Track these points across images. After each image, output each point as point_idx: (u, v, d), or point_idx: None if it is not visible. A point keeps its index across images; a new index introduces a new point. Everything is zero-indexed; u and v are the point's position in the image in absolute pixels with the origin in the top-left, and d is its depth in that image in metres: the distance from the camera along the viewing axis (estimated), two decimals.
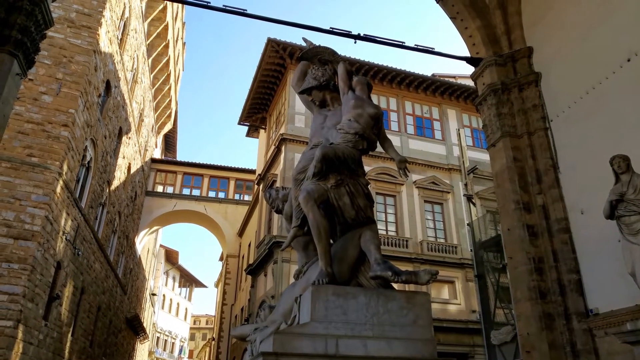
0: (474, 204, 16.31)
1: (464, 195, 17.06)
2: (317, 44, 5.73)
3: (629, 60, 8.00)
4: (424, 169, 22.93)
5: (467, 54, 11.47)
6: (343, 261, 4.47)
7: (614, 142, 8.18)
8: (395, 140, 23.10)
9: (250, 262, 26.25)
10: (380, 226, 21.74)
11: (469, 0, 10.89)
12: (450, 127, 24.17)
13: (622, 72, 8.12)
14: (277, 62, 22.73)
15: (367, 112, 4.84)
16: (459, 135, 16.97)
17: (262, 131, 27.84)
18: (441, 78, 24.76)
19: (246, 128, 28.43)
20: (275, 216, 21.66)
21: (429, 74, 24.99)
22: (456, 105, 24.68)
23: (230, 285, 31.49)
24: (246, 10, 9.73)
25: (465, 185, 16.31)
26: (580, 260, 8.65)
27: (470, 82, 26.17)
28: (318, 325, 3.86)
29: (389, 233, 21.67)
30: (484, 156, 22.31)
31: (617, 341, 7.76)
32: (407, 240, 21.43)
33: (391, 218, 22.12)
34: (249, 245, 28.10)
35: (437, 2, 11.42)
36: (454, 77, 26.83)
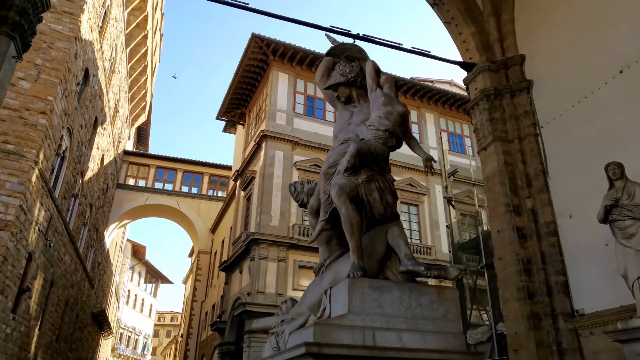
0: (454, 206, 16.65)
1: (444, 197, 17.41)
2: (342, 41, 5.77)
3: (621, 72, 8.37)
4: (401, 170, 23.23)
5: (457, 57, 11.74)
6: (372, 256, 4.54)
7: (603, 151, 8.52)
8: None
9: (224, 258, 26.04)
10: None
11: (464, 7, 11.14)
12: (428, 130, 24.60)
13: (614, 84, 8.49)
14: (260, 58, 22.62)
15: (397, 109, 4.92)
16: (440, 138, 17.29)
17: (240, 127, 27.64)
18: (420, 82, 25.15)
19: (223, 123, 28.15)
20: (253, 213, 21.55)
21: (408, 77, 25.36)
22: (434, 109, 25.13)
23: (201, 281, 31.10)
24: (247, 3, 9.67)
25: (446, 187, 16.65)
26: (567, 262, 8.99)
27: (448, 87, 26.73)
28: (355, 317, 3.91)
29: None
30: (460, 160, 22.87)
31: (601, 340, 8.13)
32: None
33: None
34: (223, 241, 27.84)
35: (433, 7, 11.64)
36: (431, 81, 27.30)
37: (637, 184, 6.95)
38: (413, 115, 24.90)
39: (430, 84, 26.25)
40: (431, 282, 9.96)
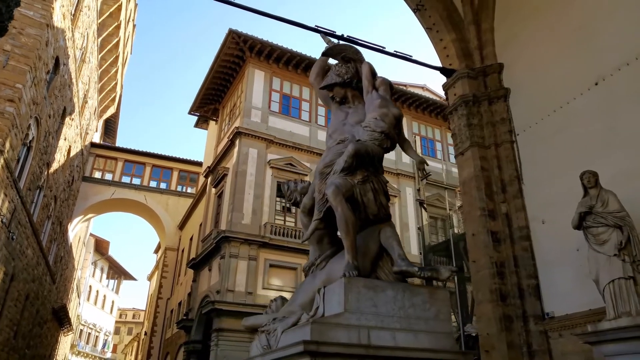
0: (426, 209, 16.93)
1: (417, 200, 17.68)
2: (337, 42, 5.80)
3: (596, 84, 8.69)
4: None
5: (432, 61, 11.96)
6: (365, 256, 4.58)
7: (577, 160, 8.83)
8: None
9: (192, 256, 25.70)
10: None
11: (445, 14, 11.35)
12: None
13: (589, 95, 8.81)
14: (236, 54, 22.44)
15: (392, 112, 4.98)
16: (414, 142, 17.53)
17: (212, 123, 27.32)
18: (395, 85, 25.42)
19: (195, 118, 27.79)
20: (225, 210, 21.35)
21: None
22: (408, 112, 25.44)
23: (167, 278, 30.56)
24: None
25: (418, 190, 16.90)
26: (539, 266, 9.28)
27: (421, 92, 27.11)
28: (351, 316, 3.94)
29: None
30: (431, 164, 23.18)
31: (570, 342, 8.43)
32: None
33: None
34: (191, 238, 27.46)
35: (415, 12, 11.80)
36: (405, 85, 27.64)
37: (610, 192, 7.22)
38: None
39: (404, 87, 26.57)
40: (417, 281, 10.12)
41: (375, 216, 4.75)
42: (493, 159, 10.27)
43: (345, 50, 5.71)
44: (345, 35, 10.42)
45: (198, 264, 22.68)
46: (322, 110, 23.83)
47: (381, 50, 10.51)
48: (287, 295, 19.49)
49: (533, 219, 9.61)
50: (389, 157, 24.20)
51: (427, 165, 5.33)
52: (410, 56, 10.78)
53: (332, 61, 6.07)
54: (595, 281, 7.07)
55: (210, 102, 25.64)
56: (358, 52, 5.80)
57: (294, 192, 5.47)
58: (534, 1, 10.44)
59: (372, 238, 4.70)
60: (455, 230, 17.61)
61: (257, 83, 22.50)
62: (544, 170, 9.61)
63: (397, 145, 5.25)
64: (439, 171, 21.96)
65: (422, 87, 29.01)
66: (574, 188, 8.73)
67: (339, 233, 5.05)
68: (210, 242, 21.29)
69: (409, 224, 23.36)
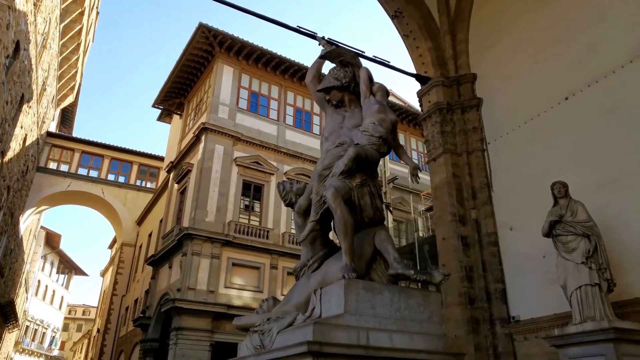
0: (391, 212, 17.21)
1: (383, 203, 17.88)
2: (334, 46, 5.84)
3: (566, 99, 9.11)
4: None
5: (406, 67, 12.20)
6: (361, 258, 4.65)
7: (545, 170, 9.23)
8: (315, 143, 23.59)
9: (150, 252, 25.14)
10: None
11: (423, 22, 11.60)
12: None
13: (559, 109, 9.22)
14: (205, 48, 22.12)
15: (390, 118, 5.08)
16: None
17: (176, 117, 26.79)
18: None
19: (159, 112, 27.18)
20: (187, 207, 20.99)
21: None
22: None
23: (122, 275, 29.70)
24: None
25: (385, 193, 17.15)
26: (506, 271, 9.62)
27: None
28: (351, 317, 4.00)
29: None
30: (397, 168, 23.59)
31: (534, 345, 8.79)
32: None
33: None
34: (150, 235, 26.84)
35: (392, 19, 11.99)
36: None
37: (579, 202, 7.58)
38: None
39: None
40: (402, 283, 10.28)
41: (370, 219, 4.83)
42: (465, 166, 10.57)
43: (343, 55, 5.77)
44: (325, 37, 10.48)
45: (158, 261, 22.19)
46: (290, 110, 23.83)
47: (361, 55, 10.60)
48: (249, 295, 19.41)
49: (501, 225, 9.95)
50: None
51: (421, 170, 5.45)
52: (388, 62, 10.94)
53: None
54: (563, 287, 7.40)
55: (175, 96, 25.15)
56: (356, 56, 5.87)
57: (289, 193, 5.49)
58: (508, 16, 10.81)
59: (367, 241, 4.77)
60: (420, 234, 17.99)
61: (225, 79, 22.24)
62: (513, 178, 9.97)
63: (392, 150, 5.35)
64: (404, 176, 22.30)
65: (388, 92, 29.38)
66: (542, 197, 9.11)
67: (331, 234, 5.10)
68: (171, 239, 20.88)
69: None
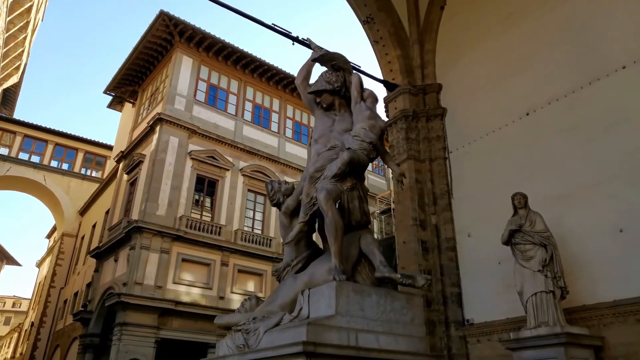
0: None
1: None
2: (326, 49, 5.88)
3: (527, 115, 9.59)
4: (296, 172, 23.60)
5: (377, 73, 12.45)
6: (347, 260, 4.73)
7: (503, 181, 9.69)
8: (273, 140, 23.54)
9: (94, 244, 24.21)
10: (247, 223, 21.81)
11: (393, 30, 11.85)
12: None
13: (520, 123, 9.69)
14: (164, 37, 21.55)
15: (379, 124, 5.19)
16: None
17: (128, 105, 25.92)
18: None
19: (110, 99, 26.19)
20: (138, 199, 20.36)
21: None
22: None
23: (62, 266, 28.35)
24: None
25: None
26: (462, 276, 10.01)
27: None
28: (341, 318, 4.07)
29: (255, 231, 21.84)
30: None
31: (486, 348, 9.21)
32: (270, 240, 21.80)
33: (259, 216, 22.31)
34: (94, 226, 25.81)
35: (363, 25, 12.17)
36: None
37: (538, 214, 8.01)
38: (312, 121, 25.53)
39: None
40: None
41: (357, 222, 4.92)
42: (427, 173, 10.90)
43: (335, 59, 5.82)
44: (300, 38, 10.50)
45: (102, 254, 21.40)
46: (249, 105, 23.61)
47: None
48: (198, 291, 19.08)
49: (460, 231, 10.34)
50: (304, 157, 24.61)
51: (405, 177, 5.59)
52: (359, 66, 11.10)
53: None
54: (520, 293, 7.80)
55: (129, 84, 24.32)
56: (348, 62, 5.94)
57: (277, 193, 5.48)
58: (474, 31, 11.24)
59: (353, 243, 4.86)
60: (376, 236, 18.32)
61: (184, 70, 21.75)
62: (473, 187, 10.38)
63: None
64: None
65: None
66: (499, 206, 9.55)
67: (314, 235, 5.14)
68: (119, 231, 20.19)
69: None
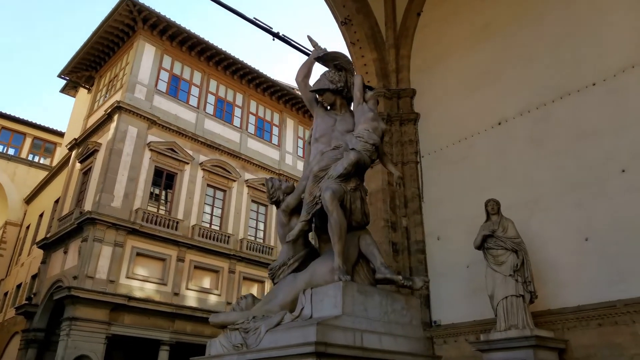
0: None
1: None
2: (325, 47, 5.86)
3: (499, 124, 9.94)
4: (257, 169, 23.49)
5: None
6: (347, 260, 4.74)
7: (472, 187, 10.00)
8: (235, 136, 23.25)
9: (41, 234, 23.10)
10: (205, 219, 21.49)
11: (370, 33, 11.97)
12: (287, 135, 25.32)
13: (491, 133, 10.03)
14: (127, 22, 20.81)
15: (381, 127, 5.23)
16: (299, 147, 18.03)
17: (83, 91, 24.86)
18: (288, 87, 25.76)
19: (64, 83, 25.03)
20: (92, 190, 19.57)
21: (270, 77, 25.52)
22: (295, 116, 25.98)
23: (4, 257, 26.77)
24: None
25: None
26: (431, 278, 10.14)
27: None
28: (347, 319, 4.08)
29: (213, 227, 21.55)
30: None
31: (452, 349, 9.47)
32: (228, 237, 21.59)
33: (217, 212, 22.04)
34: (41, 215, 24.60)
35: (340, 26, 12.21)
36: (293, 88, 28.09)
37: (510, 220, 8.31)
38: (275, 118, 25.40)
39: (292, 89, 26.98)
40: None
41: (358, 223, 4.94)
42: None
43: (338, 59, 5.81)
44: (280, 34, 10.46)
45: (51, 245, 20.44)
46: (211, 98, 23.19)
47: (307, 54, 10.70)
48: (152, 287, 18.63)
49: (429, 234, 10.58)
50: (273, 157, 24.54)
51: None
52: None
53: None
54: (491, 296, 8.07)
55: (86, 68, 23.32)
56: (350, 62, 5.95)
57: (277, 190, 5.40)
58: (448, 40, 11.53)
59: (353, 244, 4.88)
60: None
61: (146, 58, 21.10)
62: (443, 192, 10.65)
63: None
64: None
65: None
66: (468, 211, 9.88)
67: (311, 234, 5.13)
68: (70, 222, 19.35)
69: None
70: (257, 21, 10.04)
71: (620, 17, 8.73)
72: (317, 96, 5.74)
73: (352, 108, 5.71)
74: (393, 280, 4.71)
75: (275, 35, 10.21)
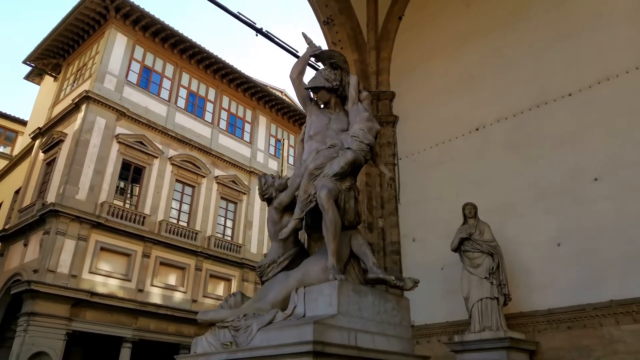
0: None
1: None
2: (319, 45, 5.83)
3: (477, 130, 10.14)
4: (227, 166, 23.22)
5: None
6: (340, 260, 4.72)
7: (449, 191, 10.19)
8: (206, 131, 22.93)
9: None
10: (173, 215, 21.11)
11: (352, 34, 12.02)
12: (259, 132, 25.13)
13: (469, 137, 10.23)
14: (99, 10, 20.17)
15: (376, 127, 5.24)
16: (282, 145, 17.94)
17: (49, 79, 23.97)
18: (262, 84, 25.56)
19: (29, 69, 24.11)
20: (55, 181, 18.92)
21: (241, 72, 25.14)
22: (268, 114, 25.80)
23: None
24: None
25: None
26: None
27: (279, 95, 27.66)
28: (342, 318, 4.06)
29: (180, 223, 21.16)
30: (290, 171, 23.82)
31: (425, 349, 9.58)
32: (196, 233, 21.24)
33: (185, 208, 21.66)
34: None
35: (322, 26, 12.20)
36: (265, 85, 27.92)
37: (486, 224, 8.50)
38: (248, 115, 25.16)
39: (265, 87, 26.79)
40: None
41: (350, 223, 4.94)
42: (376, 177, 11.16)
43: (334, 57, 5.78)
44: (263, 30, 10.36)
45: (9, 236, 19.62)
46: (183, 92, 22.77)
47: (294, 54, 10.68)
48: (115, 283, 18.17)
49: (404, 236, 10.70)
50: (245, 154, 24.30)
51: (394, 182, 5.70)
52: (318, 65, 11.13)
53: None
54: (466, 298, 8.23)
55: (53, 56, 22.49)
56: (346, 61, 5.93)
57: (270, 187, 5.32)
58: (428, 45, 11.71)
59: (344, 243, 4.87)
60: None
61: (117, 48, 20.52)
62: (419, 194, 10.79)
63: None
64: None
65: (282, 92, 29.65)
66: (443, 214, 10.06)
67: (301, 232, 5.09)
68: (31, 213, 18.63)
69: (253, 222, 23.63)
70: (240, 15, 9.92)
71: (595, 32, 9.05)
72: (312, 94, 5.72)
73: (345, 107, 5.71)
74: (385, 280, 4.73)
75: (258, 30, 10.12)
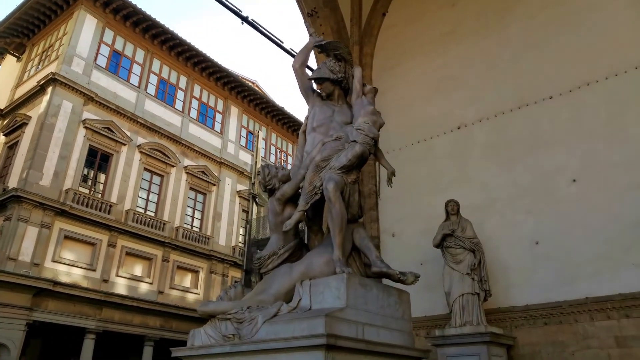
0: (258, 204, 17.25)
1: (250, 193, 17.84)
2: (321, 37, 5.77)
3: (458, 128, 10.31)
4: (197, 156, 22.83)
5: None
6: (344, 253, 4.71)
7: (429, 187, 10.35)
8: (176, 119, 22.47)
9: None
10: (140, 204, 20.62)
11: (336, 27, 12.00)
12: (230, 123, 24.78)
13: (450, 136, 10.39)
14: None
15: (380, 121, 5.23)
16: (257, 138, 17.77)
17: (11, 58, 22.90)
18: (235, 74, 25.19)
19: None
20: (17, 165, 18.15)
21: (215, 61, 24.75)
22: (240, 104, 25.47)
23: None
24: None
25: (253, 184, 17.14)
26: None
27: (251, 86, 27.37)
28: (351, 311, 4.06)
29: (148, 212, 20.68)
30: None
31: None
32: (164, 224, 20.83)
33: (153, 198, 21.18)
34: None
35: (307, 17, 12.12)
36: (238, 75, 27.56)
37: (468, 221, 8.67)
38: (220, 105, 24.78)
39: (238, 77, 26.43)
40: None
41: (353, 216, 4.93)
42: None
43: (339, 49, 5.72)
44: (249, 19, 10.20)
45: None
46: (154, 79, 22.20)
47: (279, 45, 10.58)
48: (79, 272, 17.60)
49: (384, 231, 10.79)
50: (215, 145, 23.92)
51: (395, 176, 5.71)
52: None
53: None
54: (447, 293, 8.38)
55: (17, 35, 21.47)
56: (350, 53, 5.89)
57: (273, 178, 5.22)
58: (410, 43, 11.82)
59: (347, 237, 4.85)
60: None
61: (86, 29, 19.79)
62: (400, 190, 10.83)
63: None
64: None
65: (253, 83, 29.32)
66: (424, 210, 10.21)
67: (296, 225, 5.05)
68: None
69: (222, 213, 23.33)
70: (226, 2, 9.72)
71: (576, 36, 9.33)
72: (315, 85, 5.67)
73: (347, 100, 5.70)
74: (389, 274, 4.76)
75: (244, 19, 9.95)
